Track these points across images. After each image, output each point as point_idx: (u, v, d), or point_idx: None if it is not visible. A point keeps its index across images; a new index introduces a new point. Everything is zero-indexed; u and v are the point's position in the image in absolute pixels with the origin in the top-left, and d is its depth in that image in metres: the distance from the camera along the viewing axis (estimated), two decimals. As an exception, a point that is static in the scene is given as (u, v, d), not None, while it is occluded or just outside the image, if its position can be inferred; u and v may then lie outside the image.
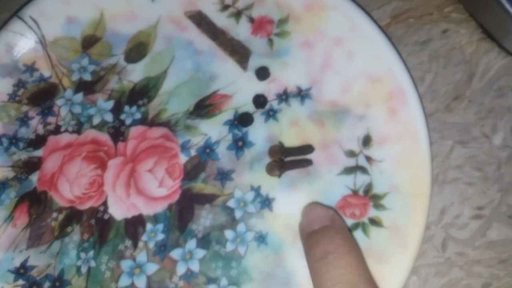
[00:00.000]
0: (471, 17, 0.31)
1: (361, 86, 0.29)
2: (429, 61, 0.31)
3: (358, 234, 0.26)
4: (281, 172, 0.28)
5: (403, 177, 0.27)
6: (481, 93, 0.30)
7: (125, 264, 0.27)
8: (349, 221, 0.27)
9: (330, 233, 0.24)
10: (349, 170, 0.28)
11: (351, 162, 0.28)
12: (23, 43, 0.30)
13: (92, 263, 0.27)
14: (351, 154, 0.28)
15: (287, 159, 0.28)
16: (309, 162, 0.28)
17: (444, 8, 0.32)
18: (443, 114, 0.30)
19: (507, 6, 0.28)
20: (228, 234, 0.27)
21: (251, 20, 0.31)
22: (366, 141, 0.28)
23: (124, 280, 0.27)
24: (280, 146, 0.29)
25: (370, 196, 0.27)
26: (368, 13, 0.30)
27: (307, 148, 0.28)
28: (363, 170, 0.28)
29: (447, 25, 0.31)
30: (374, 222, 0.27)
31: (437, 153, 0.29)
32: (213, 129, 0.29)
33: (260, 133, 0.29)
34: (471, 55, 0.31)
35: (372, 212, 0.27)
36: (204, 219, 0.27)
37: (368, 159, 0.28)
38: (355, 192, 0.27)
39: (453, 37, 0.31)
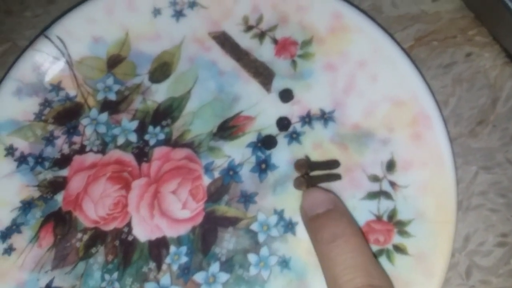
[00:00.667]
0: (495, 40, 0.31)
1: (385, 109, 0.29)
2: (453, 85, 0.31)
3: (382, 261, 0.26)
4: (308, 187, 0.28)
5: (428, 203, 0.27)
6: (505, 118, 0.30)
7: (149, 287, 0.27)
8: (374, 247, 0.27)
9: (336, 216, 0.25)
10: (372, 195, 0.28)
11: (375, 187, 0.28)
12: (49, 63, 0.31)
13: (116, 285, 0.27)
14: (375, 179, 0.28)
15: (313, 173, 0.28)
16: (337, 177, 0.28)
17: (468, 31, 0.31)
18: (467, 139, 0.30)
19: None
20: (252, 258, 0.27)
21: (275, 41, 0.31)
22: (390, 166, 0.28)
23: (148, 303, 0.27)
24: (306, 160, 0.29)
25: (394, 222, 0.27)
26: (391, 36, 0.30)
27: (333, 163, 0.28)
28: (387, 195, 0.28)
29: (471, 49, 0.31)
30: (399, 249, 0.26)
31: (461, 179, 0.29)
32: (237, 151, 0.29)
33: (283, 156, 0.29)
34: (495, 79, 0.31)
35: (397, 239, 0.27)
36: (228, 242, 0.28)
37: (392, 184, 0.28)
38: (379, 218, 0.27)
39: (477, 60, 0.31)
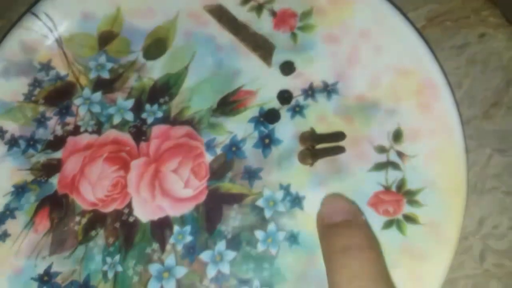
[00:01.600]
0: (508, 22, 0.31)
1: (389, 79, 0.28)
2: (467, 66, 0.30)
3: (393, 232, 0.26)
4: (313, 161, 0.27)
5: (437, 172, 0.26)
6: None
7: (153, 268, 0.26)
8: (383, 219, 0.26)
9: (353, 228, 0.24)
10: (380, 166, 0.27)
11: (382, 158, 0.27)
12: (37, 41, 0.29)
13: (119, 268, 0.26)
14: (382, 150, 0.27)
15: (318, 146, 0.28)
16: (342, 149, 0.27)
17: (481, 12, 0.31)
18: (481, 121, 0.29)
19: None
20: (259, 234, 0.26)
21: (273, 13, 0.30)
22: (397, 136, 0.27)
23: (153, 284, 0.26)
24: (311, 132, 0.28)
25: (403, 192, 0.26)
26: (393, 3, 0.29)
27: (339, 135, 0.28)
28: (395, 166, 0.27)
29: (484, 29, 0.31)
30: (410, 219, 0.26)
31: (475, 162, 0.29)
32: (238, 126, 0.28)
33: (287, 129, 0.28)
34: (509, 61, 0.30)
35: (407, 209, 0.26)
36: (233, 219, 0.27)
37: (400, 154, 0.27)
38: (387, 189, 0.27)
39: (490, 41, 0.30)
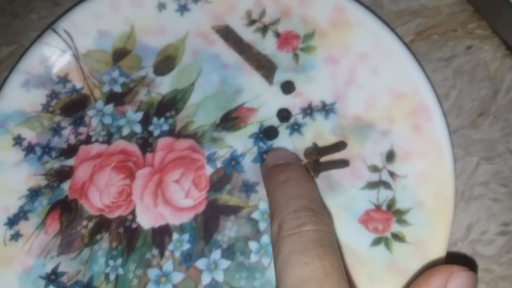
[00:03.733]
0: (495, 33, 0.32)
1: (385, 101, 0.29)
2: (454, 78, 0.31)
3: (380, 249, 0.27)
4: (316, 174, 0.29)
5: (426, 193, 0.27)
6: (506, 109, 0.30)
7: (152, 273, 0.28)
8: (372, 236, 0.27)
9: (293, 166, 0.27)
10: (372, 185, 0.28)
11: (375, 177, 0.28)
12: (56, 55, 0.31)
13: (120, 271, 0.28)
14: (375, 169, 0.28)
15: (322, 159, 0.29)
16: (345, 163, 0.29)
17: (468, 25, 0.32)
18: (469, 131, 0.30)
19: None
20: (253, 245, 0.28)
21: (277, 34, 0.31)
22: (390, 156, 0.28)
23: (151, 288, 0.28)
24: (314, 147, 0.29)
25: (393, 211, 0.27)
26: (392, 28, 0.30)
27: (341, 144, 0.29)
28: (387, 185, 0.28)
29: (471, 41, 0.32)
30: (397, 237, 0.27)
31: (463, 170, 0.29)
32: (239, 141, 0.30)
33: (284, 146, 0.29)
34: (496, 71, 0.31)
35: (395, 227, 0.27)
36: (229, 230, 0.28)
37: (392, 174, 0.28)
38: (378, 207, 0.28)
39: (477, 53, 0.31)
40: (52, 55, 0.31)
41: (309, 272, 0.20)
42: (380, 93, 0.29)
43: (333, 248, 0.22)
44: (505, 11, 0.30)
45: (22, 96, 0.31)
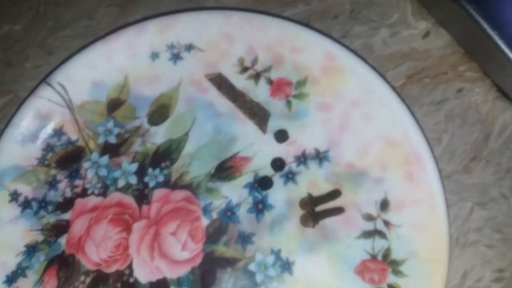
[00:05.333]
0: (486, 75, 0.32)
1: (378, 149, 0.29)
2: (446, 121, 0.31)
3: (377, 300, 0.27)
4: (315, 223, 0.29)
5: (421, 243, 0.27)
6: (498, 152, 0.30)
7: (150, 329, 0.28)
8: (369, 287, 0.27)
9: None
10: (367, 234, 0.28)
11: (369, 226, 0.28)
12: (51, 109, 0.32)
13: (119, 328, 0.28)
14: (369, 218, 0.28)
15: (317, 208, 0.29)
16: (340, 210, 0.29)
17: (458, 67, 0.32)
18: (461, 176, 0.30)
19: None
20: (250, 298, 0.28)
21: (270, 82, 0.32)
22: (384, 205, 0.28)
23: None
24: (309, 197, 0.29)
25: (388, 261, 0.27)
26: (383, 76, 0.31)
27: (335, 193, 0.29)
28: (382, 234, 0.28)
29: (462, 84, 0.32)
30: (394, 289, 0.27)
31: (457, 216, 0.30)
32: (234, 192, 0.30)
33: (279, 196, 0.29)
34: (487, 114, 0.31)
35: (391, 279, 0.27)
36: (226, 283, 0.28)
37: (386, 223, 0.28)
38: (373, 257, 0.28)
39: (468, 96, 0.32)
40: (47, 109, 0.32)
41: None
42: (373, 140, 0.29)
43: None
44: (496, 53, 0.30)
45: (18, 151, 0.31)
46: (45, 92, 0.32)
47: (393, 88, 0.30)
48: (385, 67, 0.32)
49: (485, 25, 0.29)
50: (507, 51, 0.29)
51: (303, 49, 0.32)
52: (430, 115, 0.31)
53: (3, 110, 0.34)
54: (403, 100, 0.29)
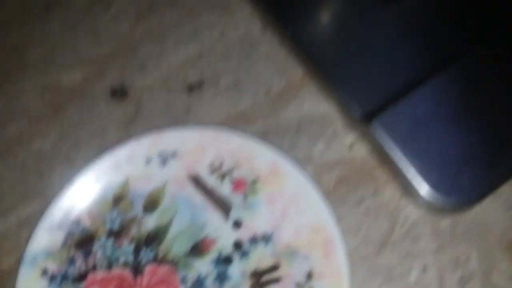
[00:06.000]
0: (394, 178, 0.43)
1: (307, 233, 0.40)
2: (364, 216, 0.42)
3: None
4: None
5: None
6: (402, 239, 0.41)
7: None
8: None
9: None
10: (299, 298, 0.39)
11: (300, 291, 0.39)
12: (71, 209, 0.43)
13: None
14: (299, 285, 0.39)
15: (262, 279, 0.40)
16: (278, 279, 0.39)
17: (374, 172, 0.43)
18: (374, 257, 0.41)
19: (410, 179, 0.40)
20: None
21: (232, 181, 0.43)
22: (310, 275, 0.39)
23: None
24: (257, 270, 0.40)
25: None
26: (315, 179, 0.42)
27: (274, 267, 0.40)
28: (309, 298, 0.39)
29: (376, 185, 0.43)
30: None
31: (369, 288, 0.40)
32: (203, 266, 0.41)
33: (237, 268, 0.40)
34: (393, 210, 0.42)
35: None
36: (196, 335, 0.39)
37: (311, 290, 0.39)
38: (302, 316, 0.38)
39: (381, 196, 0.42)
40: (70, 208, 0.43)
41: None
42: (304, 227, 0.40)
43: None
44: (396, 167, 0.41)
45: (48, 237, 0.42)
46: (68, 197, 0.43)
47: (320, 189, 0.41)
48: (321, 171, 0.43)
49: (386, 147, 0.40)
50: (403, 170, 0.40)
51: (256, 156, 0.43)
52: (352, 211, 0.42)
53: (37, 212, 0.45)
54: (327, 198, 0.40)
